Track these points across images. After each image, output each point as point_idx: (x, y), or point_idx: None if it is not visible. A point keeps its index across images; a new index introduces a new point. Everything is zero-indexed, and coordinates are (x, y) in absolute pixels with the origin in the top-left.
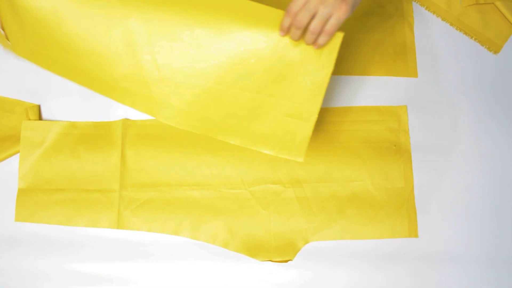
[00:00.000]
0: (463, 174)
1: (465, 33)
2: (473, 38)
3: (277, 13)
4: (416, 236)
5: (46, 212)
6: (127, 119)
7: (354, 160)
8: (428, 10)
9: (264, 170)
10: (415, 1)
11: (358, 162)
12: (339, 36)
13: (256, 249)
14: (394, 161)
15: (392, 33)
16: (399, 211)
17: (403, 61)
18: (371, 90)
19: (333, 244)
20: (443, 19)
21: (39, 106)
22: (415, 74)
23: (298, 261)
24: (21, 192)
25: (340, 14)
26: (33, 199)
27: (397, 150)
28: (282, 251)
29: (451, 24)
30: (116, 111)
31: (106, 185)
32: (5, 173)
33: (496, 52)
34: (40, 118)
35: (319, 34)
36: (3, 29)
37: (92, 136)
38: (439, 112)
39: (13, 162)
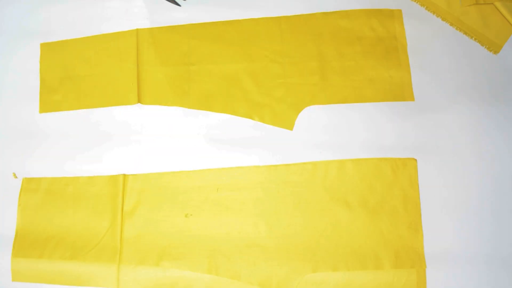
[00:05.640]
0: (463, 174)
1: (465, 33)
2: (473, 38)
3: None
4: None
5: (43, 276)
6: (125, 175)
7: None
8: (428, 10)
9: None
10: (415, 1)
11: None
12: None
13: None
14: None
15: (385, 56)
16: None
17: (398, 85)
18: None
19: None
20: (443, 19)
21: None
22: (411, 98)
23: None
24: (16, 254)
25: None
26: (29, 262)
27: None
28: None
29: (451, 24)
30: (112, 111)
31: (103, 250)
32: (6, 172)
33: (496, 52)
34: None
35: None
36: None
37: (90, 195)
38: (439, 112)
39: (14, 162)
